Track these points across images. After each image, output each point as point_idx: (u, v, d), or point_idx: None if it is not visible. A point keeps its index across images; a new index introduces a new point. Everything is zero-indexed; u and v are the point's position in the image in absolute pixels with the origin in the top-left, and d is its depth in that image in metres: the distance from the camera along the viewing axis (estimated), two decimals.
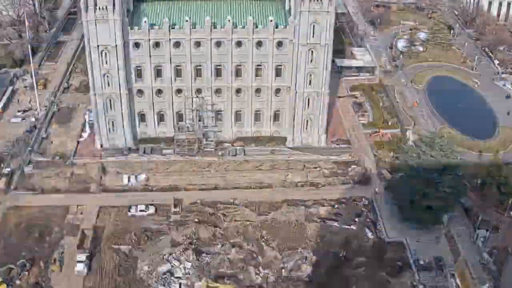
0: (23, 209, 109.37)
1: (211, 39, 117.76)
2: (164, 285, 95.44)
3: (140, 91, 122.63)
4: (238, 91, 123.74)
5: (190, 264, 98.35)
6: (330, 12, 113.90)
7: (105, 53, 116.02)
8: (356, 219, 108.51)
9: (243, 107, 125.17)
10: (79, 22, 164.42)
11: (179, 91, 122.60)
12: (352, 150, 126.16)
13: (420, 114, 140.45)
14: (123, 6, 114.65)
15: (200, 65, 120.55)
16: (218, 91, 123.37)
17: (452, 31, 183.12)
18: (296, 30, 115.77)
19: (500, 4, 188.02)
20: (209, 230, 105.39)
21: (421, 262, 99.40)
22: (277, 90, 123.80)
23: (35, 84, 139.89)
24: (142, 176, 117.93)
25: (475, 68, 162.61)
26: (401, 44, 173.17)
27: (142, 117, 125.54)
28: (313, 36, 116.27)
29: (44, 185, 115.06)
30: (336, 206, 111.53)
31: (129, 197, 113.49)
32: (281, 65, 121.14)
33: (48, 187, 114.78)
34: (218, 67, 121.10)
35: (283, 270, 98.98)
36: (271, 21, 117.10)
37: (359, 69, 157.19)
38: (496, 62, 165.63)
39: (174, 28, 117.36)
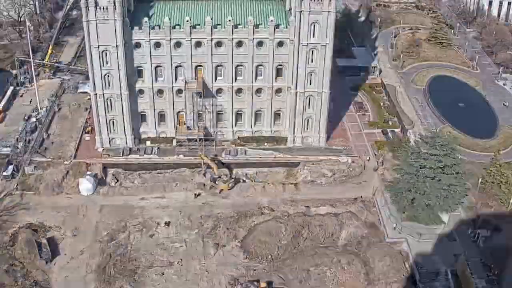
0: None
1: (211, 39, 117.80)
2: None
3: (140, 91, 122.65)
4: (239, 91, 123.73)
5: None
6: (330, 12, 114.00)
7: (106, 53, 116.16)
8: None
9: (244, 107, 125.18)
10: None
11: (179, 91, 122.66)
12: (353, 149, 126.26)
13: (421, 113, 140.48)
14: (123, 6, 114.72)
15: (201, 65, 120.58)
16: (219, 91, 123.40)
17: (452, 30, 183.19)
18: (296, 30, 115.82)
19: (501, 3, 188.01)
20: None
21: None
22: (278, 90, 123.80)
23: (35, 84, 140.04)
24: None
25: (476, 68, 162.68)
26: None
27: (143, 117, 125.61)
28: (313, 36, 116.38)
29: (44, 185, 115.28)
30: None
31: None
32: (281, 65, 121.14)
33: (48, 188, 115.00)
34: (219, 67, 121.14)
35: None
36: (272, 21, 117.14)
37: (360, 68, 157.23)
38: (497, 61, 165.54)
39: (174, 28, 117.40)
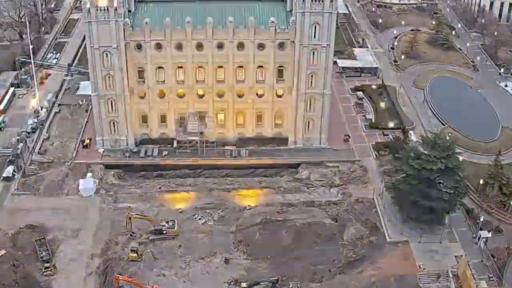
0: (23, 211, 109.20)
1: (212, 40, 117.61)
2: None
3: (141, 92, 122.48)
4: (239, 92, 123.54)
5: None
6: (331, 13, 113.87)
7: (107, 54, 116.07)
8: None
9: (245, 108, 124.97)
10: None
11: (180, 92, 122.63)
12: (354, 150, 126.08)
13: (422, 114, 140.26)
14: (124, 7, 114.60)
15: (202, 66, 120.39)
16: (219, 92, 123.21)
17: (453, 31, 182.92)
18: (297, 31, 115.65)
19: (502, 4, 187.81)
20: None
21: None
22: (279, 91, 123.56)
23: (36, 85, 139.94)
24: None
25: (477, 69, 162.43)
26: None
27: (144, 118, 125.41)
28: (314, 37, 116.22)
29: (45, 186, 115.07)
30: None
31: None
32: (282, 66, 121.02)
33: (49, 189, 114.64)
34: (220, 68, 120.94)
35: None
36: (273, 22, 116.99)
37: (361, 69, 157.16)
38: (498, 63, 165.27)
39: (175, 29, 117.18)
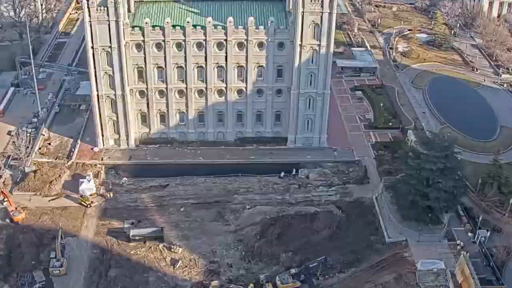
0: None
1: (212, 40, 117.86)
2: None
3: (141, 92, 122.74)
4: (239, 91, 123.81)
5: None
6: (330, 13, 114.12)
7: (106, 54, 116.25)
8: None
9: (244, 107, 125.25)
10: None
11: (180, 92, 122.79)
12: (353, 150, 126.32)
13: (420, 114, 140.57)
14: (124, 7, 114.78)
15: (201, 66, 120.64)
16: (219, 92, 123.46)
17: (452, 31, 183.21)
18: (296, 31, 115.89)
19: (501, 4, 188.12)
20: None
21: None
22: (278, 91, 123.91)
23: (36, 85, 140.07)
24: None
25: (476, 69, 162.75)
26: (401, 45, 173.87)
27: (143, 118, 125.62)
28: (313, 37, 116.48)
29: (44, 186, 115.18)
30: None
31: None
32: (282, 66, 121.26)
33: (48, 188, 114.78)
34: (219, 68, 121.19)
35: None
36: (272, 22, 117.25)
37: (360, 69, 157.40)
38: (497, 63, 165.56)
39: (175, 29, 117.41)
